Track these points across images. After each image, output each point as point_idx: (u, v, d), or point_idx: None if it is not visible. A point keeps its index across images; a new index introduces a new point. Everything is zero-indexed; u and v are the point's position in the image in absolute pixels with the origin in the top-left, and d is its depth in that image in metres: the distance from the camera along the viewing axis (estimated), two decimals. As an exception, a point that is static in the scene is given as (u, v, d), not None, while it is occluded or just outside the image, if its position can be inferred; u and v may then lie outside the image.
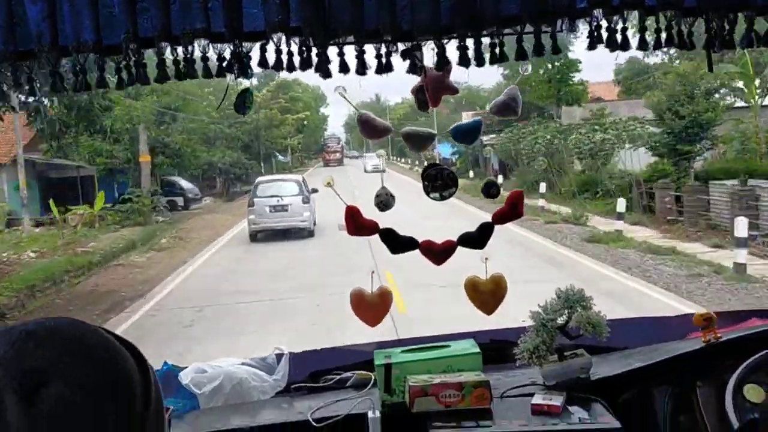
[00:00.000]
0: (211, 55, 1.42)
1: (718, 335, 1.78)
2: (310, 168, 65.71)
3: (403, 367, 1.75)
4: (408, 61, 1.47)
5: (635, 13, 1.43)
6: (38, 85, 1.46)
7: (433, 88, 1.66)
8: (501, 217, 1.79)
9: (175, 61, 1.42)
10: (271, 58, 1.44)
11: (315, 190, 18.89)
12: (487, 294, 1.88)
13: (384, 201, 1.88)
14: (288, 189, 19.05)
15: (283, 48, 1.41)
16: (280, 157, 47.22)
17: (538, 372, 1.77)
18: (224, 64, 1.41)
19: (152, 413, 0.70)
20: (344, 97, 1.76)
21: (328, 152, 71.12)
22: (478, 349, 1.79)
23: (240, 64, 1.42)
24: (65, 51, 1.35)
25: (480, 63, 1.45)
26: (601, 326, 1.73)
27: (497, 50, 1.42)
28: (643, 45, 1.48)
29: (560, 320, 1.76)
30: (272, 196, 18.59)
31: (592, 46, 1.47)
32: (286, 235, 18.29)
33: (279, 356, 2.05)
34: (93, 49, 1.34)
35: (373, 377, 1.89)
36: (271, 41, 1.39)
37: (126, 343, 0.74)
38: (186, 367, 1.98)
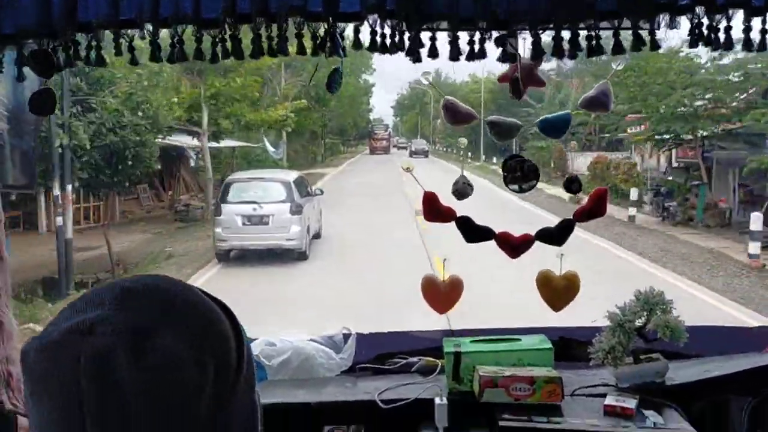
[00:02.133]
0: (306, 33, 1.44)
1: (803, 351, 1.71)
2: (346, 160, 55.99)
3: (472, 357, 1.75)
4: (500, 49, 1.46)
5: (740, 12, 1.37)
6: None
7: (523, 79, 1.64)
8: (584, 215, 1.76)
9: (269, 37, 1.44)
10: (364, 38, 1.46)
11: (319, 192, 15.42)
12: (559, 290, 1.85)
13: (461, 190, 1.87)
14: (270, 193, 13.38)
15: (378, 30, 1.41)
16: (270, 148, 32.74)
17: (611, 373, 1.73)
18: (318, 42, 1.43)
19: (244, 372, 0.72)
20: (431, 84, 1.76)
21: (375, 139, 66.10)
22: (549, 345, 1.77)
23: (333, 44, 1.43)
24: (165, 22, 1.39)
25: (574, 55, 1.42)
26: (680, 331, 1.68)
27: (593, 43, 1.39)
28: (748, 45, 1.42)
29: (638, 322, 1.72)
30: (247, 203, 13.09)
31: (693, 44, 1.42)
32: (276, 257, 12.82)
33: (346, 336, 2.08)
34: (192, 21, 1.38)
35: (440, 364, 1.89)
36: (366, 23, 1.40)
37: (219, 302, 0.75)
38: (256, 339, 2.03)
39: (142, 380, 0.64)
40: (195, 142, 22.20)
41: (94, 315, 0.66)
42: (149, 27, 1.42)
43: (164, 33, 1.47)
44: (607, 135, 29.17)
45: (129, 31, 1.44)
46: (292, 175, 14.98)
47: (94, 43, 1.46)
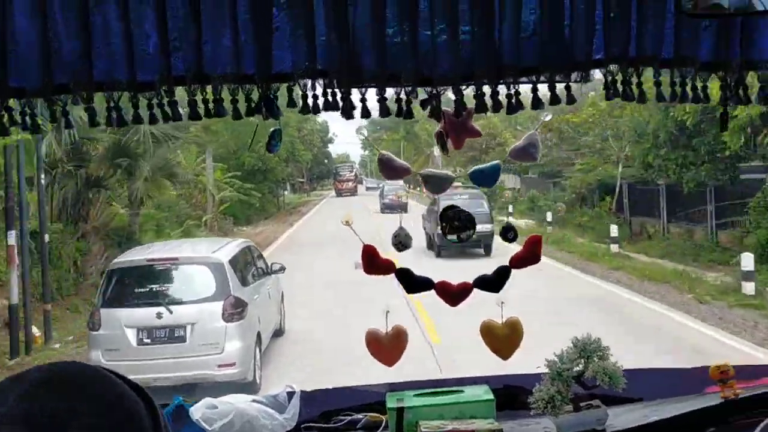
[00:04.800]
0: (240, 95, 1.46)
1: (737, 391, 1.74)
2: (312, 205, 50.69)
3: (415, 412, 1.73)
4: (428, 107, 1.50)
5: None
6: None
7: (456, 132, 1.68)
8: (519, 261, 1.79)
9: (204, 101, 1.46)
10: (297, 99, 1.49)
11: (279, 268, 9.96)
12: (502, 339, 1.86)
13: (402, 241, 1.89)
14: (189, 284, 8.07)
15: (309, 91, 1.44)
16: None
17: (552, 422, 1.73)
18: (252, 105, 1.45)
19: None
20: (366, 139, 1.80)
21: (340, 181, 63.96)
22: (491, 396, 1.76)
23: (268, 106, 1.46)
24: (100, 86, 1.39)
25: (496, 110, 1.48)
26: (618, 378, 1.70)
27: (513, 100, 1.45)
28: (660, 98, 1.50)
29: (576, 370, 1.73)
30: (147, 304, 7.70)
31: (608, 97, 1.49)
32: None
33: (290, 394, 2.04)
34: (126, 86, 1.39)
35: (384, 420, 1.87)
36: (297, 84, 1.43)
37: (133, 385, 0.74)
38: (197, 402, 1.97)
39: None
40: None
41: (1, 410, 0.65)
42: (83, 93, 1.42)
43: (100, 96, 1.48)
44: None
45: (63, 96, 1.44)
46: (227, 250, 8.46)
47: (27, 110, 1.45)
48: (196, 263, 8.25)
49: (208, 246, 9.29)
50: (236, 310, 7.67)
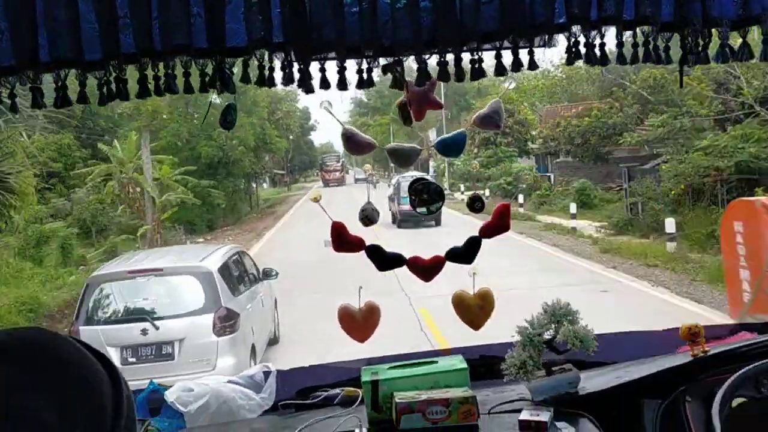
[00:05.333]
0: (193, 70, 1.43)
1: (707, 349, 1.77)
2: (301, 193, 49.37)
3: (390, 384, 1.73)
4: (390, 76, 1.48)
5: (613, 29, 1.44)
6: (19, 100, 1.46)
7: (417, 103, 1.66)
8: (488, 230, 1.79)
9: (156, 77, 1.42)
10: (253, 73, 1.45)
11: (270, 274, 9.13)
12: (474, 309, 1.87)
13: (369, 215, 1.87)
14: (176, 296, 7.35)
15: (266, 64, 1.41)
16: None
17: (526, 388, 1.75)
18: (207, 79, 1.42)
19: (123, 425, 0.70)
20: (329, 112, 1.77)
21: (327, 171, 63.94)
22: (465, 365, 1.77)
23: (222, 80, 1.42)
24: (46, 66, 1.35)
25: (460, 78, 1.46)
26: (589, 341, 1.72)
27: (476, 66, 1.43)
28: (621, 59, 1.49)
29: (547, 335, 1.75)
30: (131, 319, 7.01)
31: (570, 61, 1.48)
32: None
33: (266, 374, 2.03)
34: (74, 64, 1.35)
35: (360, 394, 1.87)
36: (253, 57, 1.40)
37: (98, 354, 0.74)
38: (171, 386, 1.96)
39: None
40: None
41: None
42: (29, 73, 1.38)
43: (47, 77, 1.43)
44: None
45: (10, 78, 1.40)
46: (216, 258, 7.78)
47: None
48: (182, 273, 7.48)
49: (195, 254, 8.51)
50: (228, 322, 6.99)
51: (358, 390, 1.88)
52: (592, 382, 1.77)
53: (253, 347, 7.60)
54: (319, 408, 1.90)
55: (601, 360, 1.87)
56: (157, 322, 6.83)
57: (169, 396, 1.92)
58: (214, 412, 1.93)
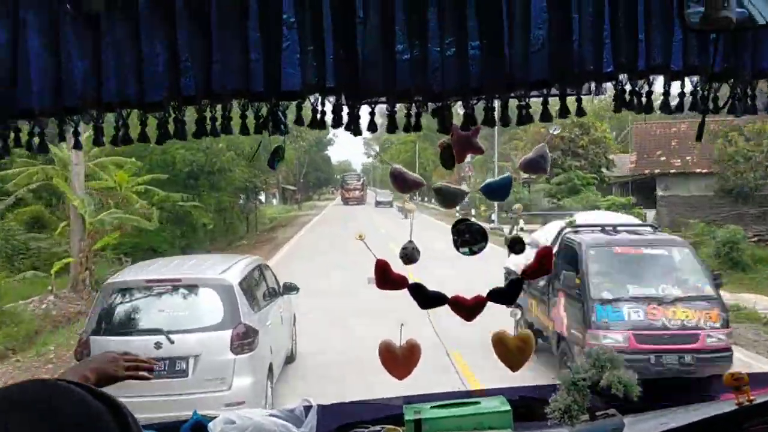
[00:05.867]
0: (249, 112, 1.48)
1: (752, 397, 1.74)
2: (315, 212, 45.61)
3: (433, 423, 1.74)
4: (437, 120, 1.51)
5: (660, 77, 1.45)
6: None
7: (460, 146, 1.70)
8: (531, 273, 1.80)
9: (213, 118, 1.48)
10: (305, 115, 1.50)
11: (290, 288, 8.79)
12: (513, 350, 1.87)
13: (409, 255, 1.89)
14: (193, 309, 7.02)
15: (318, 107, 1.46)
16: None
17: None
18: (261, 121, 1.47)
19: None
20: (379, 155, 1.81)
21: (347, 189, 63.46)
22: (508, 407, 1.77)
23: (275, 122, 1.47)
24: (110, 106, 1.41)
25: (506, 124, 1.49)
26: (633, 386, 1.70)
27: (523, 112, 1.46)
28: (665, 108, 1.50)
29: (591, 380, 1.73)
30: (144, 332, 6.67)
31: (617, 109, 1.50)
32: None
33: (307, 408, 2.05)
34: (136, 105, 1.41)
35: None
36: (307, 100, 1.45)
37: (103, 397, 0.72)
38: (216, 417, 1.99)
39: None
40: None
41: None
42: (93, 112, 1.44)
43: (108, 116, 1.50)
44: None
45: (74, 117, 1.47)
46: (237, 270, 7.43)
47: (36, 130, 1.48)
48: (201, 285, 7.05)
49: (215, 265, 7.88)
50: (246, 340, 6.59)
51: (399, 428, 1.88)
52: (636, 427, 1.74)
53: (271, 366, 7.23)
54: None
55: (645, 406, 1.84)
56: (172, 336, 6.43)
57: (213, 428, 1.95)
58: (256, 446, 1.95)
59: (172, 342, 6.41)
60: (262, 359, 6.93)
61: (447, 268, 10.30)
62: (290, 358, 8.98)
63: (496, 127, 1.64)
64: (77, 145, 1.59)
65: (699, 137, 1.49)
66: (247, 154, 23.26)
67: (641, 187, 26.52)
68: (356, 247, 2.00)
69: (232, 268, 7.53)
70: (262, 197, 42.08)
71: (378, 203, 55.14)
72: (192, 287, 7.06)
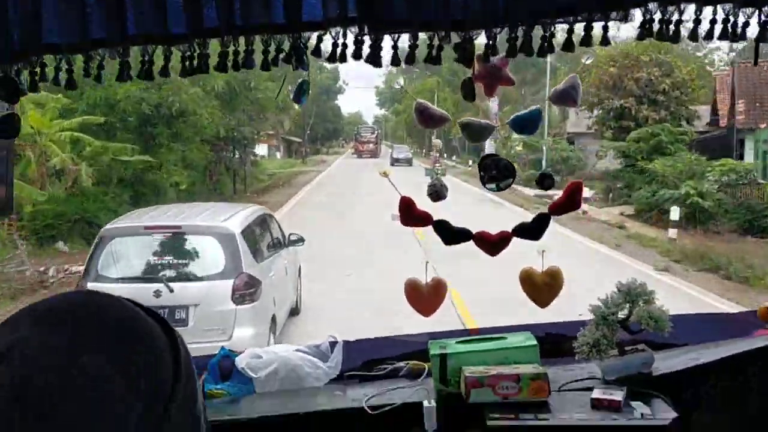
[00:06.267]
0: (271, 47, 1.44)
1: (789, 333, 1.71)
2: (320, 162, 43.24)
3: (458, 358, 1.74)
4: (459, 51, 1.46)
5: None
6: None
7: (489, 79, 1.63)
8: (558, 208, 1.76)
9: (235, 52, 1.44)
10: (325, 47, 1.46)
11: (296, 240, 8.49)
12: (542, 287, 1.85)
13: (438, 190, 1.86)
14: (194, 257, 6.86)
15: (339, 40, 1.41)
16: None
17: (597, 366, 1.73)
18: (282, 55, 1.43)
19: (182, 382, 0.69)
20: (405, 89, 1.75)
21: (361, 142, 61.84)
22: (535, 342, 1.76)
23: (298, 55, 1.43)
24: (133, 40, 1.39)
25: (529, 53, 1.43)
26: (663, 321, 1.68)
27: (547, 42, 1.40)
28: (693, 36, 1.42)
29: (621, 314, 1.71)
30: (143, 279, 6.58)
31: (641, 37, 1.43)
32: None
33: (333, 344, 2.07)
34: (160, 39, 1.38)
35: (427, 367, 1.88)
36: (328, 32, 1.40)
37: (154, 315, 0.73)
38: (242, 353, 2.02)
39: (66, 404, 0.61)
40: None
41: (12, 339, 0.64)
42: (119, 48, 1.42)
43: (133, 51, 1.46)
44: None
45: (100, 50, 1.44)
46: (239, 219, 7.26)
47: (64, 66, 1.46)
48: (202, 233, 6.86)
49: (217, 213, 7.59)
50: (248, 290, 6.45)
51: (425, 363, 1.90)
52: (666, 363, 1.73)
53: (274, 318, 7.02)
54: (385, 379, 1.93)
55: (675, 342, 1.83)
56: (172, 284, 6.35)
57: (240, 362, 1.98)
58: (283, 379, 1.99)
59: (171, 290, 6.36)
60: (265, 310, 6.76)
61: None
62: (295, 311, 8.77)
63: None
64: (98, 78, 1.57)
65: (755, 62, 1.42)
66: (220, 94, 18.97)
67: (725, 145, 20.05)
68: (373, 227, 1.89)
69: (235, 216, 7.33)
70: (263, 150, 37.93)
71: (395, 161, 45.34)
72: (193, 235, 6.89)
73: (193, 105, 17.29)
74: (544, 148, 25.41)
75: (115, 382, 0.63)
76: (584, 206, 17.01)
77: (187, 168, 19.15)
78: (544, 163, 24.45)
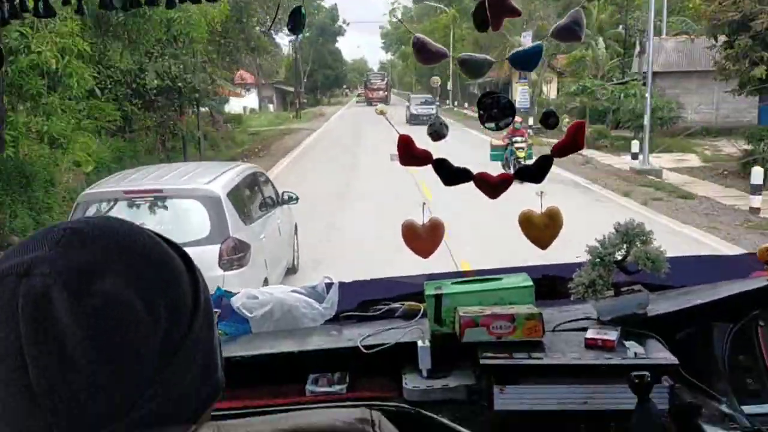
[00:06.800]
0: None
1: (787, 274, 1.70)
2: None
3: (453, 298, 1.74)
4: None
5: None
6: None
7: (494, 9, 1.58)
8: (561, 149, 1.73)
9: None
10: None
11: (290, 198, 8.21)
12: (541, 228, 1.83)
13: (437, 130, 1.83)
14: (176, 222, 6.43)
15: None
16: None
17: (593, 307, 1.73)
18: None
19: (201, 311, 0.70)
20: (401, 22, 1.69)
21: (371, 89, 61.11)
22: (530, 282, 1.75)
23: None
24: None
25: None
26: (660, 262, 1.67)
27: None
28: None
29: (618, 255, 1.70)
30: None
31: None
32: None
33: (328, 285, 2.07)
34: None
35: (422, 308, 1.88)
36: None
37: (173, 244, 0.73)
38: (238, 293, 2.02)
39: (82, 323, 0.61)
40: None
41: (31, 256, 0.64)
42: None
43: None
44: None
45: None
46: (224, 180, 6.87)
47: None
48: (185, 197, 6.50)
49: (201, 174, 7.07)
50: (236, 255, 6.20)
51: (420, 304, 1.89)
52: (662, 304, 1.73)
53: (266, 281, 6.71)
54: (380, 320, 1.93)
55: (671, 283, 1.82)
56: None
57: (235, 302, 1.98)
58: (279, 319, 1.99)
59: None
60: (256, 275, 6.50)
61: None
62: (291, 270, 8.46)
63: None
64: (80, 10, 1.51)
65: None
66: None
67: None
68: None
69: (220, 177, 6.87)
70: (253, 102, 30.20)
71: (413, 117, 32.88)
72: (175, 199, 6.52)
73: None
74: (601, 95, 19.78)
75: (134, 307, 0.63)
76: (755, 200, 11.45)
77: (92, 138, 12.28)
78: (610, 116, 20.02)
